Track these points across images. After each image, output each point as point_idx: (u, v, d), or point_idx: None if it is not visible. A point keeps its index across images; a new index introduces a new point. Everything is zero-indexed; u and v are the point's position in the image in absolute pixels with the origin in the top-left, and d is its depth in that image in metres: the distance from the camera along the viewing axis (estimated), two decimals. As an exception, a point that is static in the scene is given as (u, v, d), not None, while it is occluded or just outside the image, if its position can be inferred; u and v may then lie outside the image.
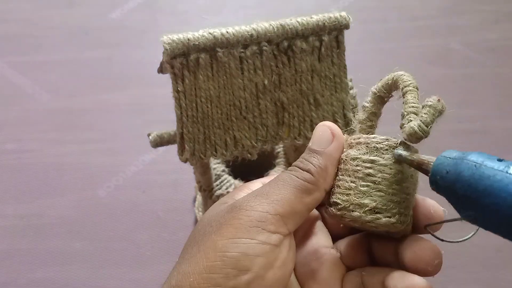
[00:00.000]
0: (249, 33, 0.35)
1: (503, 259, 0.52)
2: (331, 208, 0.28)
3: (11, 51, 0.74)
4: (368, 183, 0.27)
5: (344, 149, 0.29)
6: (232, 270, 0.24)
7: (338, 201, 0.28)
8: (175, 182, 0.59)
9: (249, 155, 0.38)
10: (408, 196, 0.27)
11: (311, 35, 0.37)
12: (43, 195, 0.58)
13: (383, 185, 0.27)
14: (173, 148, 0.39)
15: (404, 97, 0.27)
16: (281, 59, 0.37)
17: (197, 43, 0.35)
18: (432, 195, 0.28)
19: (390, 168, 0.27)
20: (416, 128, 0.25)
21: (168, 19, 0.79)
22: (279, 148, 0.52)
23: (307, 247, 0.30)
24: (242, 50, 0.36)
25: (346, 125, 0.38)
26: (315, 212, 0.31)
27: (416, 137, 0.25)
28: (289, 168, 0.28)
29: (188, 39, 0.35)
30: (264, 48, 0.36)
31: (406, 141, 0.27)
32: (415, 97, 0.27)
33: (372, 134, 0.30)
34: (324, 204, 0.29)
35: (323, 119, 0.38)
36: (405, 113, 0.26)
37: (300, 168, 0.28)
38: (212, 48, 0.35)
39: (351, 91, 0.40)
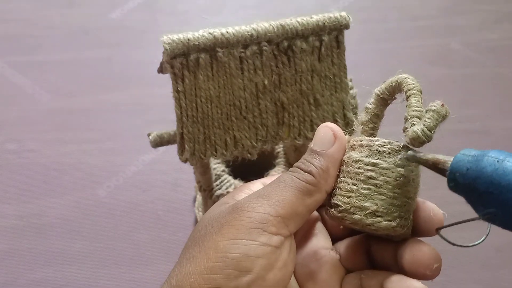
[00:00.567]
0: (249, 33, 0.35)
1: (503, 259, 0.52)
2: (332, 210, 0.28)
3: (11, 51, 0.74)
4: (370, 186, 0.27)
5: (346, 151, 0.29)
6: (233, 271, 0.24)
7: (339, 203, 0.27)
8: (175, 182, 0.59)
9: (249, 155, 0.38)
10: (409, 200, 0.27)
11: (311, 35, 0.37)
12: (43, 195, 0.58)
13: (385, 188, 0.27)
14: (173, 148, 0.39)
15: (407, 101, 0.27)
16: (281, 59, 0.37)
17: (197, 43, 0.35)
18: (432, 200, 0.28)
19: (392, 172, 0.27)
20: (419, 133, 0.25)
21: (168, 19, 0.79)
22: (279, 148, 0.52)
23: (307, 249, 0.30)
24: (242, 50, 0.36)
25: (346, 125, 0.38)
26: (315, 213, 0.31)
27: (419, 141, 0.25)
28: (291, 169, 0.28)
29: (188, 39, 0.35)
30: (264, 48, 0.36)
31: (408, 145, 0.27)
32: (419, 101, 0.26)
33: (375, 136, 0.30)
34: (324, 205, 0.29)
35: (323, 119, 0.38)
36: (408, 117, 0.26)
37: (301, 169, 0.28)
38: (212, 48, 0.35)
39: (351, 91, 0.40)
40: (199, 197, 0.55)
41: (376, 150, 0.27)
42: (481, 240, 0.26)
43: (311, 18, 0.36)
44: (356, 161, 0.27)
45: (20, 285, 0.51)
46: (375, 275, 0.28)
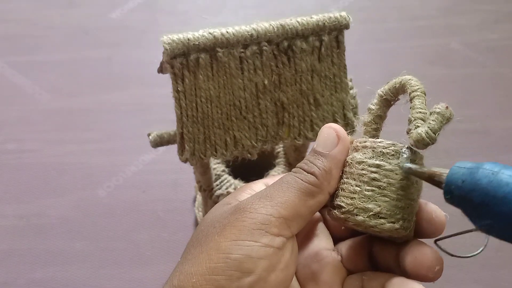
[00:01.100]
0: (249, 33, 0.35)
1: (503, 259, 0.52)
2: (335, 211, 0.28)
3: (11, 51, 0.74)
4: (373, 188, 0.27)
5: (349, 152, 0.28)
6: (235, 272, 0.24)
7: (342, 204, 0.27)
8: (175, 182, 0.59)
9: (249, 155, 0.38)
10: (412, 201, 0.27)
11: (311, 35, 0.37)
12: (43, 195, 0.58)
13: (388, 190, 0.26)
14: (173, 148, 0.39)
15: (411, 102, 0.27)
16: (281, 59, 0.37)
17: (197, 43, 0.35)
18: (434, 200, 0.28)
19: (396, 174, 0.27)
20: (423, 135, 0.25)
21: (168, 19, 0.79)
22: (279, 148, 0.52)
23: (308, 249, 0.30)
24: (242, 50, 0.36)
25: (346, 125, 0.38)
26: (316, 214, 0.31)
27: (423, 143, 0.25)
28: (293, 169, 0.28)
29: (188, 39, 0.35)
30: (264, 48, 0.36)
31: (412, 147, 0.27)
32: (423, 103, 0.26)
33: (377, 136, 0.30)
34: (326, 206, 0.29)
35: (323, 119, 0.38)
36: (412, 119, 0.26)
37: (304, 170, 0.27)
38: (212, 48, 0.35)
39: (351, 91, 0.40)
40: (199, 197, 0.55)
41: (380, 151, 0.27)
42: (479, 251, 0.26)
43: (311, 18, 0.36)
44: (359, 163, 0.27)
45: (20, 285, 0.51)
46: (376, 276, 0.28)
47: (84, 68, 0.72)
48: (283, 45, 0.36)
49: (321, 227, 0.31)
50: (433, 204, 0.28)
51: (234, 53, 0.35)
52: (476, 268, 0.51)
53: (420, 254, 0.26)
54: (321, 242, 0.30)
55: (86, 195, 0.58)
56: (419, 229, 0.28)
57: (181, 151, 0.37)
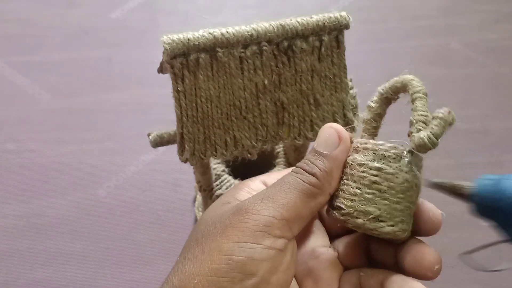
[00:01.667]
0: (249, 33, 0.35)
1: (503, 259, 0.52)
2: (334, 212, 0.28)
3: (11, 51, 0.74)
4: (374, 191, 0.27)
5: (350, 152, 0.28)
6: (237, 274, 0.24)
7: (342, 206, 0.27)
8: (175, 182, 0.59)
9: (249, 155, 0.38)
10: (411, 204, 0.27)
11: (311, 35, 0.37)
12: (43, 195, 0.58)
13: (389, 193, 0.26)
14: (173, 148, 0.39)
15: (413, 104, 0.27)
16: (281, 59, 0.37)
17: (197, 43, 0.35)
18: (431, 199, 0.28)
19: (397, 177, 0.26)
20: (426, 140, 0.25)
21: (168, 19, 0.79)
22: (279, 148, 0.52)
23: (305, 247, 0.30)
24: (242, 50, 0.36)
25: (346, 125, 0.38)
26: None
27: (425, 148, 0.25)
28: (294, 169, 0.28)
29: (188, 39, 0.35)
30: (264, 48, 0.36)
31: (413, 150, 0.27)
32: (425, 105, 0.26)
33: (376, 135, 0.30)
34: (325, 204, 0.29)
35: (323, 119, 0.38)
36: (414, 121, 0.26)
37: (305, 171, 0.27)
38: (212, 48, 0.35)
39: (351, 91, 0.40)
40: (199, 197, 0.55)
41: (382, 154, 0.27)
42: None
43: (311, 18, 0.36)
44: (360, 165, 0.27)
45: (20, 285, 0.51)
46: (374, 273, 0.28)
47: (84, 68, 0.72)
48: (283, 45, 0.36)
49: (317, 224, 0.31)
50: (429, 203, 0.28)
51: (234, 53, 0.35)
52: (476, 268, 0.51)
53: (420, 253, 0.26)
54: (318, 239, 0.30)
55: (86, 195, 0.58)
56: (415, 227, 0.28)
57: (181, 151, 0.37)
